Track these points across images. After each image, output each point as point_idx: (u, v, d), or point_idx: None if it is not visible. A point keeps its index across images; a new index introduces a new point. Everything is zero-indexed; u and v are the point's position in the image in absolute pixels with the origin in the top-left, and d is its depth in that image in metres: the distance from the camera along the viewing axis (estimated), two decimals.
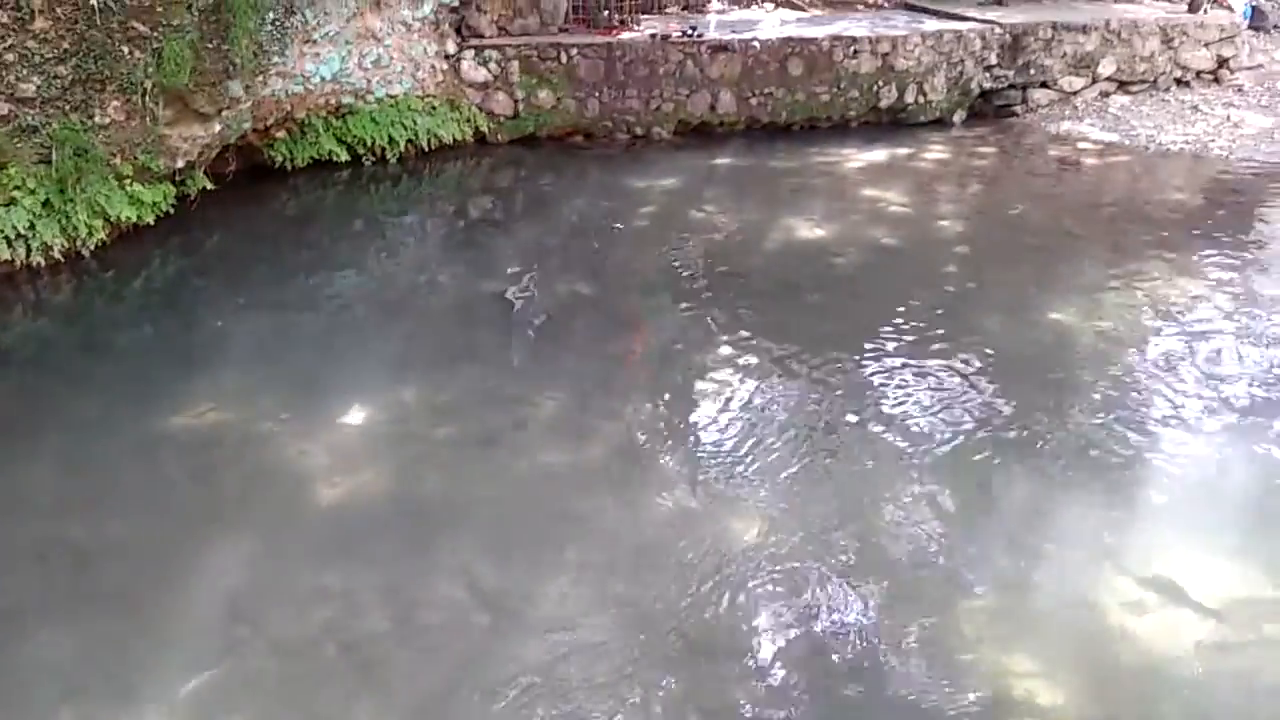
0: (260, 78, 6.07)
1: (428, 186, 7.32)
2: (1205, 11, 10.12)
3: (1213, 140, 8.53)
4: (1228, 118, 9.03)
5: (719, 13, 10.05)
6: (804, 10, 10.40)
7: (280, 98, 6.63)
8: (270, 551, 3.38)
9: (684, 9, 10.09)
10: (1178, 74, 9.74)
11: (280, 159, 6.91)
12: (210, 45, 5.57)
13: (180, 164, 5.92)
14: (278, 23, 5.98)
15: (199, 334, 4.93)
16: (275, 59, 6.09)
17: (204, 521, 3.51)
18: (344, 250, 6.10)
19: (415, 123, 7.37)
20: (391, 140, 7.26)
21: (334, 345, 4.88)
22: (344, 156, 7.15)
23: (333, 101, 7.06)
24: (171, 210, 5.95)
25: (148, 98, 5.41)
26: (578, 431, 4.14)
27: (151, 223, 5.82)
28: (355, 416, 4.20)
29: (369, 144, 7.20)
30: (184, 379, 4.44)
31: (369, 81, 7.21)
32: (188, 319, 5.10)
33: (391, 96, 7.35)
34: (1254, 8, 11.47)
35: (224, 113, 5.90)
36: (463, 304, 5.42)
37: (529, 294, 5.48)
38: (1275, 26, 11.52)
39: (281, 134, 6.87)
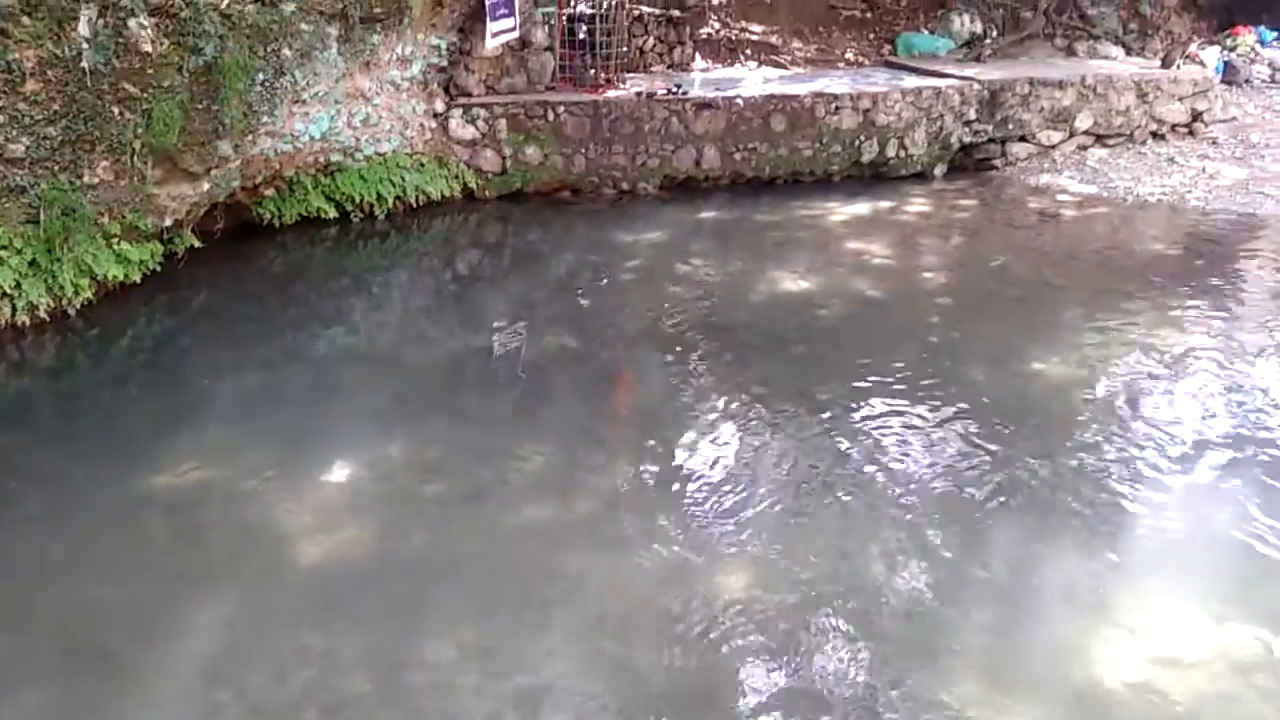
0: (249, 137, 6.13)
1: (416, 242, 7.38)
2: (1179, 66, 10.38)
3: (1189, 191, 8.68)
4: (1203, 169, 9.20)
5: (703, 70, 10.26)
6: (786, 68, 10.63)
7: (269, 156, 6.69)
8: (252, 612, 3.34)
9: (668, 67, 10.31)
10: (1153, 127, 9.94)
11: (269, 216, 6.96)
12: (200, 106, 5.63)
13: (168, 222, 5.95)
14: (267, 84, 6.05)
15: (184, 392, 4.92)
16: (265, 119, 6.16)
17: (186, 582, 3.47)
18: (331, 307, 6.12)
19: (404, 179, 7.45)
20: (380, 197, 7.33)
21: (320, 402, 4.87)
22: (332, 213, 7.21)
23: (321, 159, 7.13)
24: (159, 268, 5.96)
25: (137, 157, 5.45)
26: (565, 487, 4.13)
27: (138, 281, 5.83)
28: (341, 474, 4.18)
29: (357, 201, 7.27)
30: (168, 437, 4.41)
31: (358, 140, 7.29)
32: (173, 377, 5.09)
33: (380, 154, 7.44)
34: (1226, 63, 11.79)
35: (213, 172, 5.95)
36: (450, 359, 5.44)
37: (516, 348, 5.51)
38: (1246, 80, 11.81)
39: (270, 192, 6.93)
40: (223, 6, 5.66)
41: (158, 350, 5.51)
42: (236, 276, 6.42)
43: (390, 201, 7.41)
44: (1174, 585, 3.48)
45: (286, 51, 6.16)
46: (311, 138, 6.95)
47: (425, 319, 6.10)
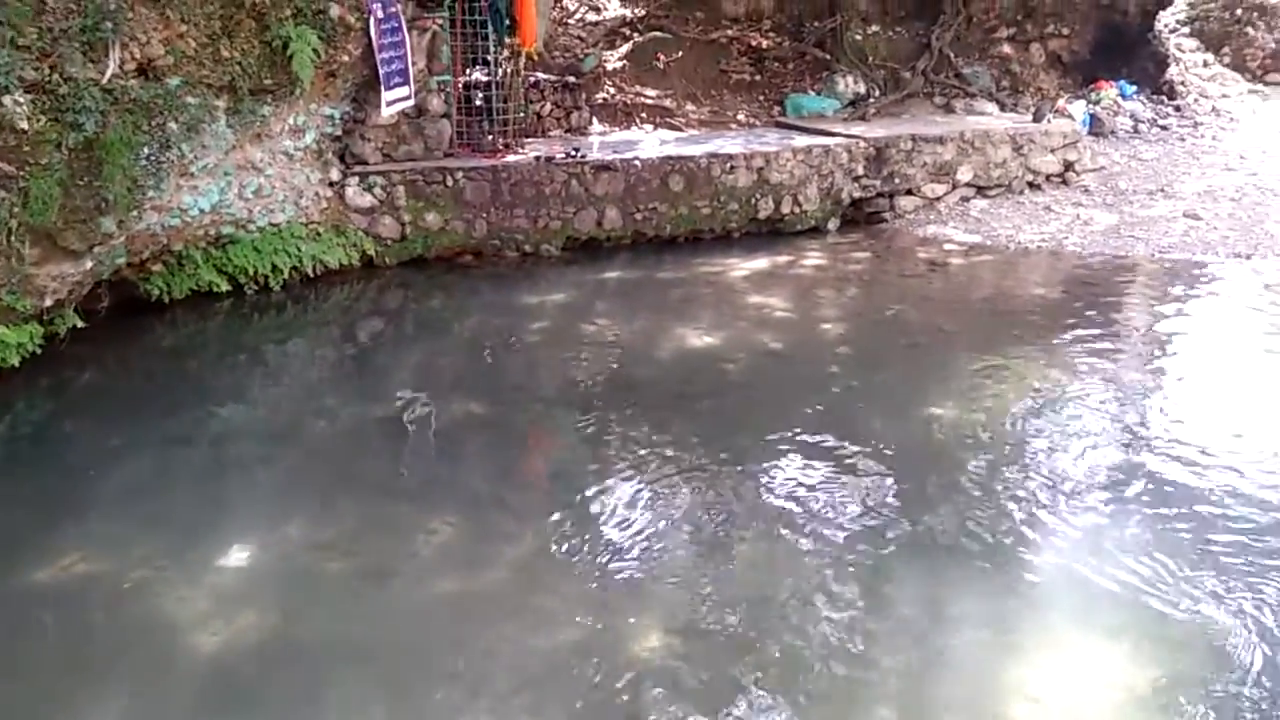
0: (134, 212, 5.93)
1: (313, 313, 7.22)
2: (1049, 121, 11.00)
3: (1066, 237, 9.15)
4: (1078, 216, 9.72)
5: (600, 134, 10.41)
6: (681, 130, 10.87)
7: (156, 231, 6.50)
8: (144, 711, 3.15)
9: (566, 131, 10.42)
10: (1029, 178, 10.48)
11: (157, 292, 6.72)
12: (81, 182, 5.44)
13: (49, 303, 5.70)
14: (153, 158, 5.89)
15: (67, 480, 4.67)
16: (150, 193, 5.97)
17: (70, 682, 3.26)
18: (226, 382, 5.92)
19: (299, 249, 7.31)
20: (275, 268, 7.17)
21: (214, 483, 4.68)
22: (225, 287, 7.00)
23: (212, 232, 6.95)
24: (39, 351, 5.68)
25: (13, 237, 5.22)
26: (475, 557, 4.04)
27: (16, 365, 5.54)
28: (238, 557, 4.01)
29: (251, 273, 7.08)
30: (50, 530, 4.17)
31: (250, 211, 7.15)
32: (55, 465, 4.83)
33: (274, 225, 7.29)
34: (1092, 116, 12.53)
35: (96, 249, 5.74)
36: (351, 430, 5.30)
37: (421, 416, 5.41)
38: (1111, 132, 12.56)
39: (158, 267, 6.71)
40: (104, 82, 5.52)
41: (38, 437, 5.23)
42: (123, 356, 6.17)
43: (286, 272, 7.24)
44: (1076, 622, 3.58)
45: (172, 125, 6.02)
46: (201, 211, 6.78)
47: (325, 390, 5.95)
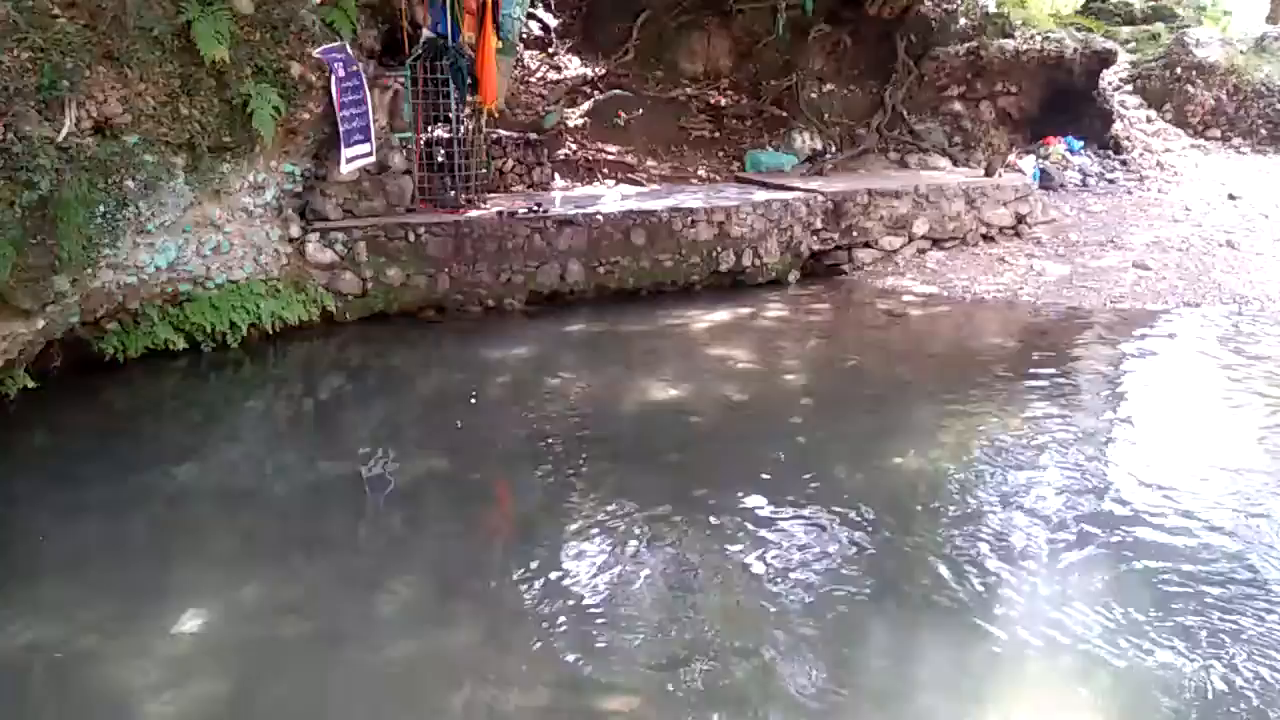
0: (89, 271, 5.84)
1: (273, 370, 7.12)
2: (1000, 175, 11.30)
3: (1020, 288, 9.33)
4: (1031, 267, 9.94)
5: (563, 189, 10.51)
6: (642, 185, 11.01)
7: (111, 289, 6.41)
8: None
9: (529, 187, 10.51)
10: (983, 230, 10.72)
11: (112, 351, 6.60)
12: (35, 241, 5.34)
13: None
14: (109, 216, 5.82)
15: (17, 544, 4.51)
16: (106, 251, 5.89)
17: None
18: (182, 442, 5.80)
19: (258, 306, 7.23)
20: (233, 325, 7.07)
21: (169, 546, 4.56)
22: (182, 345, 6.89)
23: (169, 290, 6.86)
24: None
25: None
26: (438, 618, 3.96)
27: None
28: (192, 623, 3.89)
29: (209, 330, 6.98)
30: None
31: (208, 268, 7.08)
32: (4, 529, 4.67)
33: (233, 281, 7.22)
34: (1041, 170, 12.90)
35: (49, 308, 5.63)
36: (311, 489, 5.21)
37: (382, 473, 5.33)
38: (1061, 185, 12.93)
39: (113, 325, 6.59)
40: (60, 140, 5.47)
41: None
42: (76, 416, 6.02)
43: (244, 329, 7.15)
44: (1041, 674, 3.58)
45: (129, 183, 5.96)
46: (158, 268, 6.71)
47: (283, 449, 5.85)
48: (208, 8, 6.35)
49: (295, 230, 7.68)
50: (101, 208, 5.78)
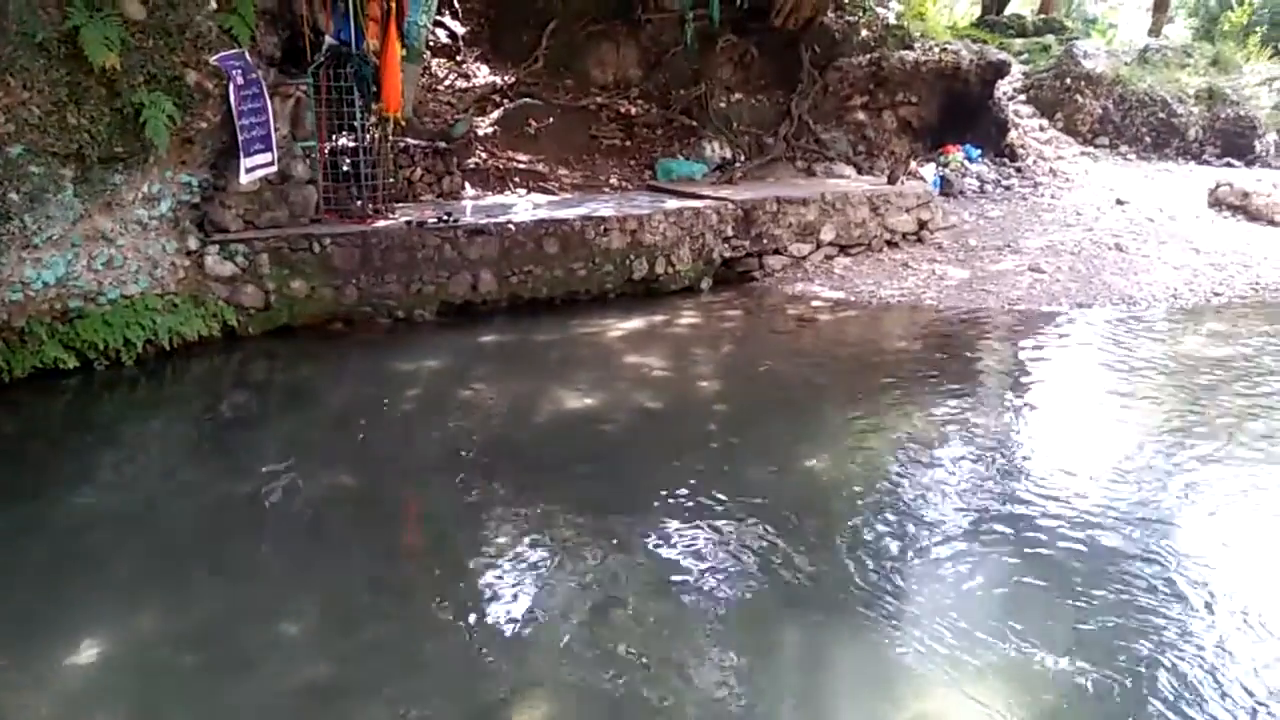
0: None
1: (170, 387, 6.86)
2: (903, 182, 11.61)
3: (924, 292, 9.60)
4: (933, 272, 10.23)
5: (473, 198, 10.40)
6: (554, 194, 10.98)
7: None
8: None
9: (438, 196, 10.38)
10: (887, 236, 10.99)
11: None
12: None
13: None
14: None
15: None
16: None
17: None
18: (73, 466, 5.53)
19: (154, 322, 6.95)
20: (128, 342, 6.79)
21: (61, 575, 4.34)
22: (73, 363, 6.58)
23: (58, 306, 6.56)
24: None
25: None
26: (346, 640, 3.86)
27: None
28: (87, 654, 3.71)
29: (101, 348, 6.69)
30: None
31: (100, 283, 6.78)
32: None
33: (127, 297, 6.93)
34: (942, 177, 13.31)
35: None
36: (212, 511, 5.02)
37: (287, 492, 5.17)
38: (960, 192, 13.35)
39: None
40: None
41: None
42: None
43: (139, 346, 6.87)
44: (951, 670, 3.67)
45: (13, 196, 5.71)
46: (45, 284, 6.41)
47: (183, 469, 5.63)
48: (96, 13, 6.10)
49: (193, 242, 7.42)
50: None
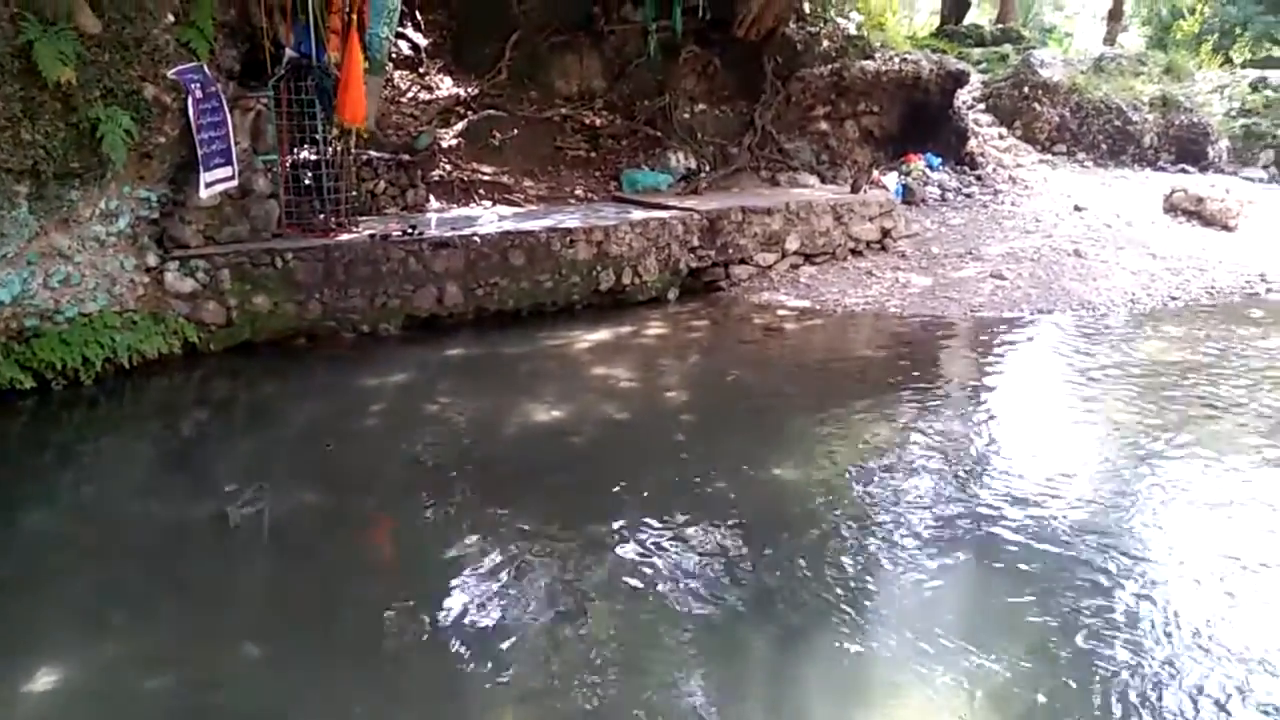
0: None
1: (130, 406, 6.74)
2: (865, 191, 11.73)
3: (888, 300, 9.69)
4: (897, 280, 10.34)
5: (438, 211, 10.36)
6: (520, 205, 10.96)
7: None
8: None
9: (403, 209, 10.32)
10: (851, 245, 11.09)
11: None
12: None
13: None
14: None
15: None
16: None
17: None
18: (31, 489, 5.42)
19: (114, 340, 6.84)
20: (86, 361, 6.66)
21: (20, 600, 4.24)
22: (29, 384, 6.44)
23: (14, 325, 6.43)
24: None
25: None
26: (313, 660, 3.81)
27: None
28: (47, 680, 3.63)
29: (59, 367, 6.56)
30: None
31: (57, 301, 6.66)
32: None
33: (85, 315, 6.81)
34: (904, 186, 13.45)
35: None
36: (175, 532, 4.94)
37: (251, 511, 5.11)
38: (922, 200, 13.51)
39: None
40: None
41: None
42: None
43: (98, 365, 6.74)
44: (918, 678, 3.69)
45: None
46: (0, 303, 6.28)
47: (144, 490, 5.54)
48: (50, 28, 6.00)
49: (152, 259, 7.32)
50: None
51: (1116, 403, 6.83)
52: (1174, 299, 9.84)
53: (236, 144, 7.69)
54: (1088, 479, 5.43)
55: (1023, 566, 4.48)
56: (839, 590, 4.25)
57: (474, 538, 4.76)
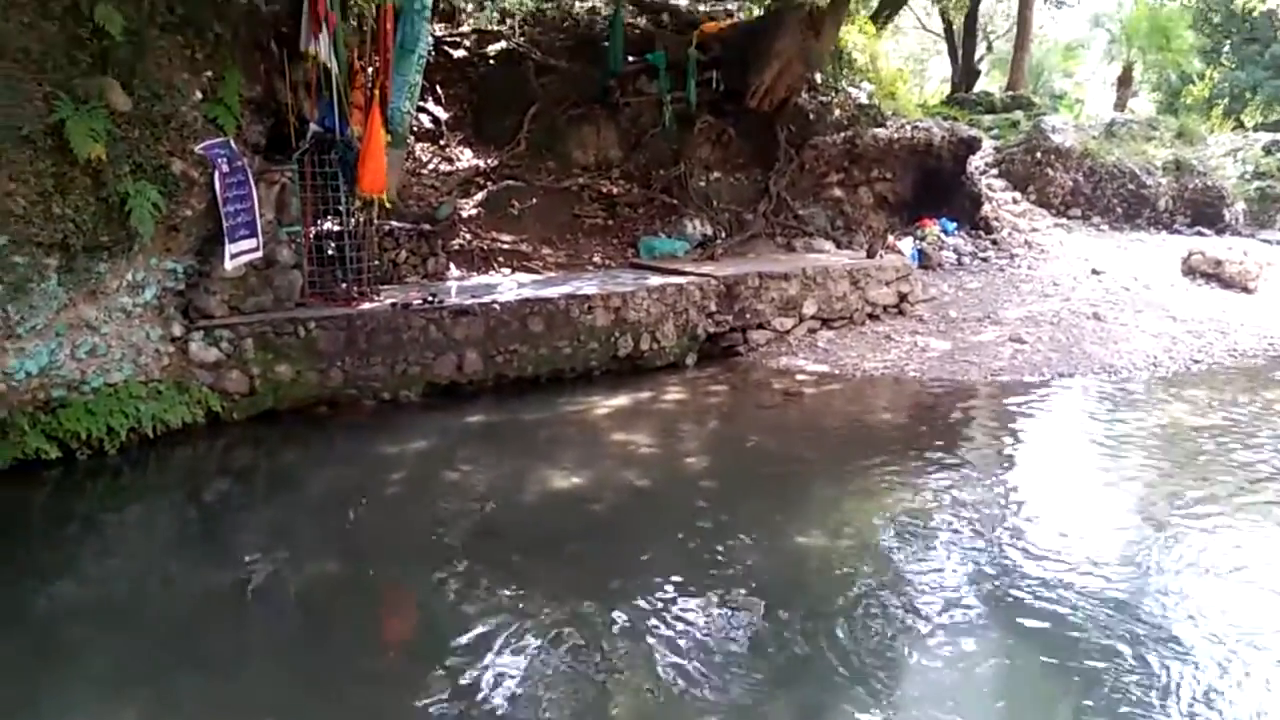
0: None
1: (154, 476, 6.76)
2: (881, 256, 11.79)
3: (907, 364, 9.67)
4: (915, 344, 10.33)
5: (458, 279, 10.48)
6: (538, 273, 11.07)
7: None
8: None
9: (423, 278, 10.45)
10: (868, 309, 11.12)
11: None
12: None
13: None
14: None
15: None
16: None
17: None
18: (54, 558, 5.42)
19: (138, 409, 6.90)
20: (111, 431, 6.72)
21: (42, 670, 4.21)
22: (55, 453, 6.49)
23: (40, 396, 6.50)
24: None
25: None
26: None
27: None
28: None
29: (84, 437, 6.61)
30: None
31: (84, 371, 6.74)
32: None
33: (110, 385, 6.88)
34: (919, 250, 13.52)
35: None
36: (196, 602, 4.92)
37: (271, 582, 5.08)
38: (938, 265, 13.56)
39: None
40: None
41: None
42: None
43: (123, 434, 6.80)
44: None
45: None
46: (28, 374, 6.36)
47: (166, 560, 5.53)
48: (82, 106, 6.18)
49: (178, 329, 7.41)
50: None
51: (1143, 469, 6.74)
52: (1196, 362, 9.77)
53: (261, 216, 7.84)
54: (1117, 551, 5.33)
55: (1053, 636, 4.38)
56: (865, 662, 4.16)
57: (494, 610, 4.70)
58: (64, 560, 5.41)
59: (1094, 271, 13.51)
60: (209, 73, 7.26)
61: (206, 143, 7.12)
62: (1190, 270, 13.38)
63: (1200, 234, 16.54)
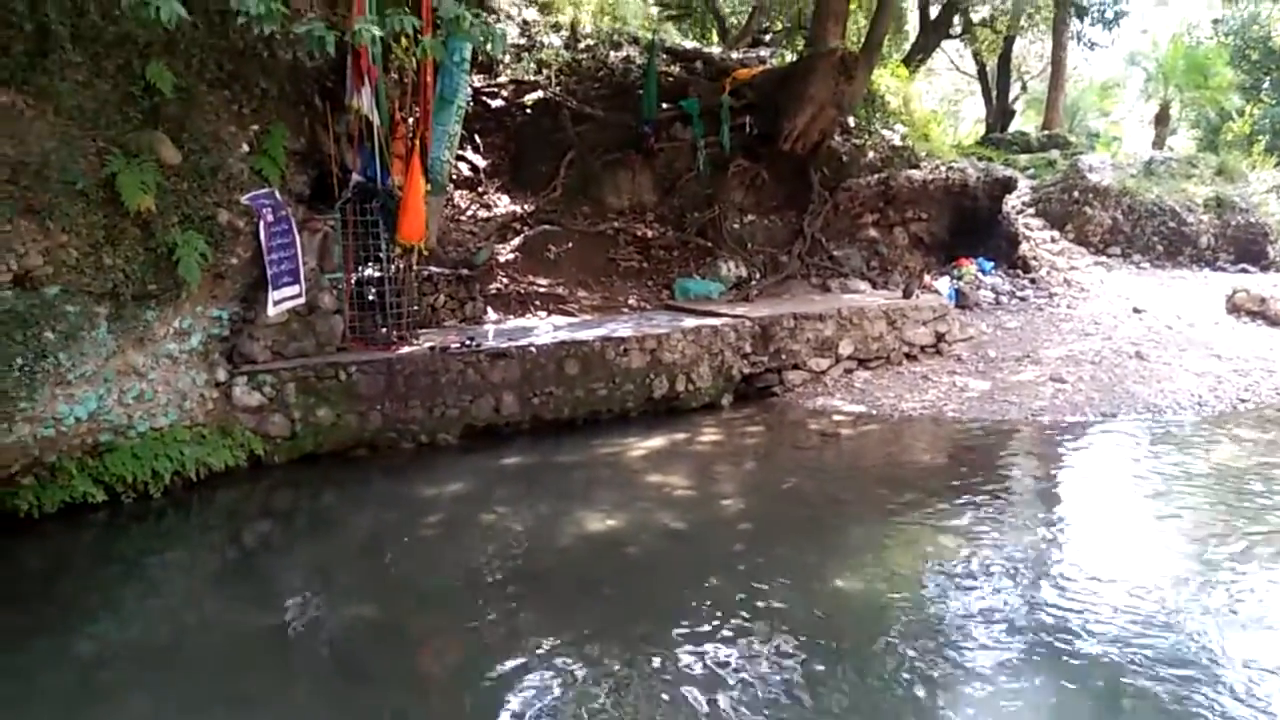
0: (4, 425, 5.67)
1: (196, 518, 6.88)
2: (918, 296, 11.75)
3: (945, 404, 9.58)
4: (953, 384, 10.23)
5: (495, 323, 10.61)
6: (574, 316, 11.17)
7: (27, 443, 6.19)
8: None
9: (461, 321, 10.59)
10: (905, 349, 11.05)
11: (26, 507, 6.31)
12: None
13: None
14: (27, 368, 5.69)
15: None
16: (23, 404, 5.73)
17: None
18: (99, 599, 5.52)
19: (183, 453, 7.03)
20: (155, 474, 6.85)
21: (85, 711, 4.28)
22: (101, 497, 6.63)
23: (89, 441, 6.65)
24: None
25: None
26: None
27: None
28: None
29: (129, 481, 6.74)
30: None
31: (130, 416, 6.90)
32: None
33: (156, 429, 7.03)
34: (957, 290, 13.44)
35: None
36: (236, 643, 4.97)
37: (310, 624, 5.13)
38: (976, 304, 13.46)
39: (28, 480, 6.32)
40: None
41: None
42: None
43: (167, 478, 6.93)
44: None
45: (49, 334, 5.86)
46: (77, 419, 6.52)
47: (207, 601, 5.61)
48: (133, 159, 6.40)
49: (222, 374, 7.58)
50: (19, 360, 5.66)
51: (1191, 511, 6.59)
52: (1243, 401, 9.57)
53: (304, 263, 8.03)
54: (1162, 595, 5.18)
55: (1098, 681, 4.28)
56: (906, 708, 4.09)
57: (531, 654, 4.70)
58: (107, 602, 5.50)
59: (1135, 310, 13.33)
60: (255, 126, 7.49)
61: (252, 193, 7.33)
62: (1235, 308, 13.15)
63: (1245, 271, 16.27)
